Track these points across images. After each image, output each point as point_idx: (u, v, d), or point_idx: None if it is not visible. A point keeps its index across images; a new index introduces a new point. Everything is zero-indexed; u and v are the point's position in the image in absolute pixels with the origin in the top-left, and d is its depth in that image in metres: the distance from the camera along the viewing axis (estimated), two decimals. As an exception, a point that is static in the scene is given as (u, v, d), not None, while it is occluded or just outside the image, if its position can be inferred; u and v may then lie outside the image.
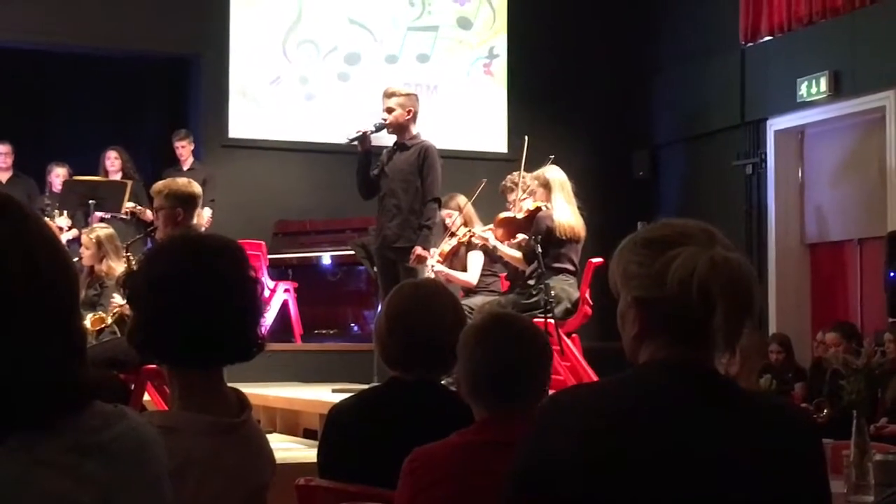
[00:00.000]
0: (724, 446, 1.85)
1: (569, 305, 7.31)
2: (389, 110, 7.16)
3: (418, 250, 6.99)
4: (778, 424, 1.91)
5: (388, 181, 7.18)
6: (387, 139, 7.49)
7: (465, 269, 7.97)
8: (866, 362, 3.52)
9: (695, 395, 1.89)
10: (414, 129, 7.24)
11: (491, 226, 7.77)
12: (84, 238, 7.75)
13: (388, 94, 7.24)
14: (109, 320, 7.12)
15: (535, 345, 2.74)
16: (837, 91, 9.85)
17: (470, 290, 8.00)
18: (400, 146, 7.23)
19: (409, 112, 7.18)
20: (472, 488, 2.47)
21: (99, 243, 7.50)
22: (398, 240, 7.09)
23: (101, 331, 7.10)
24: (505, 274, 8.10)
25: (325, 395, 7.23)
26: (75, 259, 7.14)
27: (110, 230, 7.79)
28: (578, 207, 7.47)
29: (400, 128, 7.20)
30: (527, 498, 1.90)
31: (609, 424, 1.86)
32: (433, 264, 7.83)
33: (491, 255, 7.98)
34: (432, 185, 7.12)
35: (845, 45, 9.77)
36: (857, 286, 10.21)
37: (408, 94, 7.30)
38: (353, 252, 8.92)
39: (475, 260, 8.01)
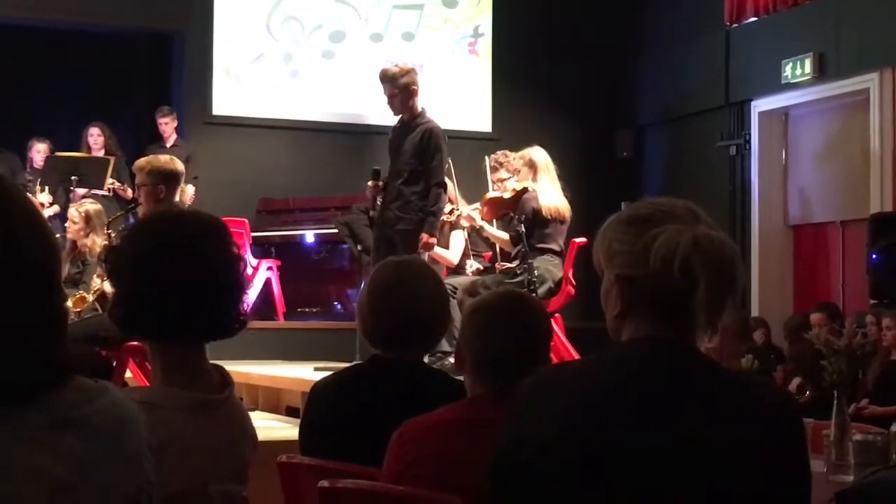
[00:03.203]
0: (704, 426, 1.84)
1: (552, 285, 7.31)
2: (393, 95, 6.95)
3: (425, 237, 6.89)
4: (759, 404, 1.91)
5: (393, 163, 7.06)
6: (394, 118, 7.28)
7: (447, 248, 7.97)
8: (848, 343, 3.53)
9: (676, 373, 1.89)
10: (419, 106, 7.04)
11: (477, 205, 7.76)
12: (72, 211, 7.73)
13: (388, 78, 6.95)
14: (91, 299, 7.10)
15: (543, 323, 2.73)
16: (822, 73, 9.85)
17: (453, 269, 7.99)
18: (404, 126, 7.07)
19: (413, 92, 6.97)
20: (461, 463, 2.46)
21: (87, 218, 7.50)
22: (399, 222, 6.97)
23: (82, 310, 7.09)
24: (490, 254, 8.09)
25: (308, 373, 7.22)
26: (58, 235, 7.12)
27: (99, 206, 7.80)
28: (562, 188, 7.48)
29: (405, 107, 7.02)
30: (509, 479, 1.91)
31: (588, 405, 1.86)
32: None
33: (477, 235, 7.98)
34: (437, 169, 6.93)
35: (830, 27, 9.77)
36: (839, 268, 10.24)
37: (408, 72, 7.02)
38: (336, 230, 8.91)
39: (457, 239, 8.00)
